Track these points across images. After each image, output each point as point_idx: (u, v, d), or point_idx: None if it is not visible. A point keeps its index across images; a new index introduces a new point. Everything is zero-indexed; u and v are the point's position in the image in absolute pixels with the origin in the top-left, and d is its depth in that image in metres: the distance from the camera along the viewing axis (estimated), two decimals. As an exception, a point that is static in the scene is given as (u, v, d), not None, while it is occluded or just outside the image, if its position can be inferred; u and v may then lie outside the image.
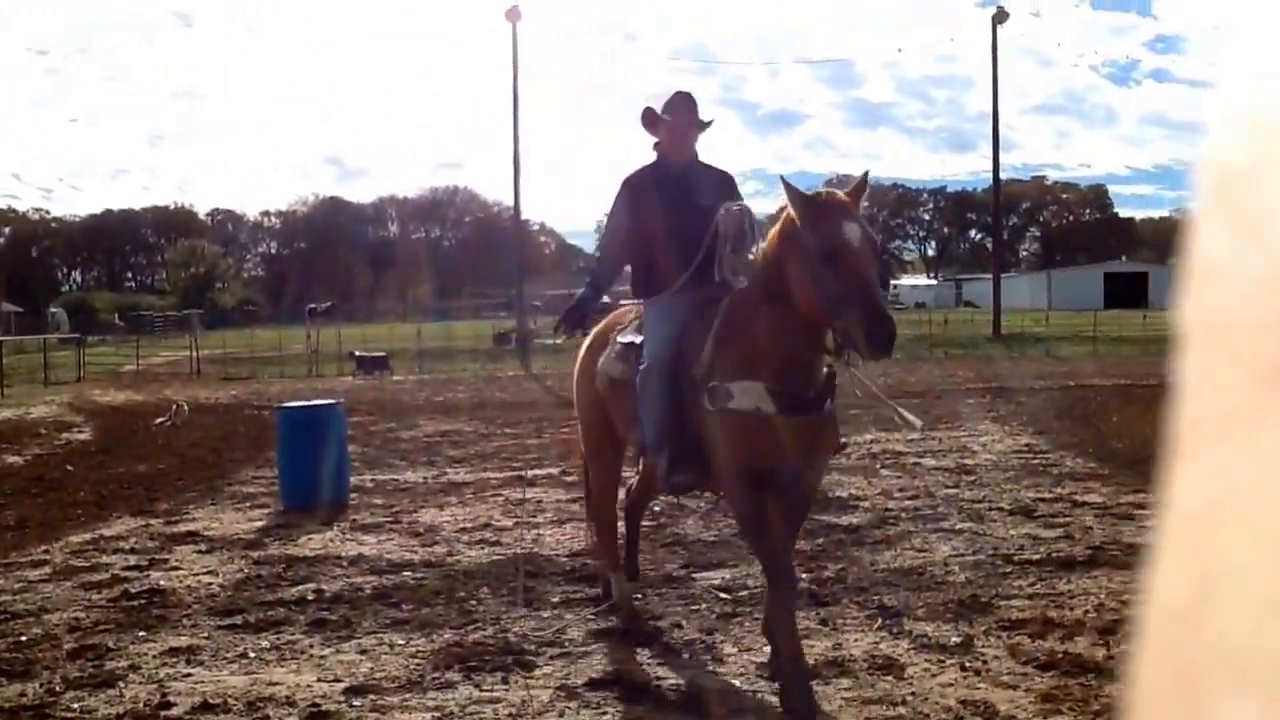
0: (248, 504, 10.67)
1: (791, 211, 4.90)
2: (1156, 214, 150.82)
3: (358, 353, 33.98)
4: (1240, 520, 0.32)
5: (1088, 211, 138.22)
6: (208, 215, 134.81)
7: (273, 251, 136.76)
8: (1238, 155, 0.35)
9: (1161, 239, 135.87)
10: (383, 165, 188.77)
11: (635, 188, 5.96)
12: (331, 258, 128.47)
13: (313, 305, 43.43)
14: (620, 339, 6.05)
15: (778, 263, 4.95)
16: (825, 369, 5.19)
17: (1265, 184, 0.33)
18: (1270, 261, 0.32)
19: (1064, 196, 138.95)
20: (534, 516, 9.64)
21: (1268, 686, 0.29)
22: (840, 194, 4.94)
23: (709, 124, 6.00)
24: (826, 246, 4.69)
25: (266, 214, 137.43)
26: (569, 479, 11.68)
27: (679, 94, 5.96)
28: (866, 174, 5.12)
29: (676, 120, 5.90)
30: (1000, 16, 48.55)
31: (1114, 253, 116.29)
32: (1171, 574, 0.35)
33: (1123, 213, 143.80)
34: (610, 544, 6.63)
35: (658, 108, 5.94)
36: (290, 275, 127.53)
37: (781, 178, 4.97)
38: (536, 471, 12.28)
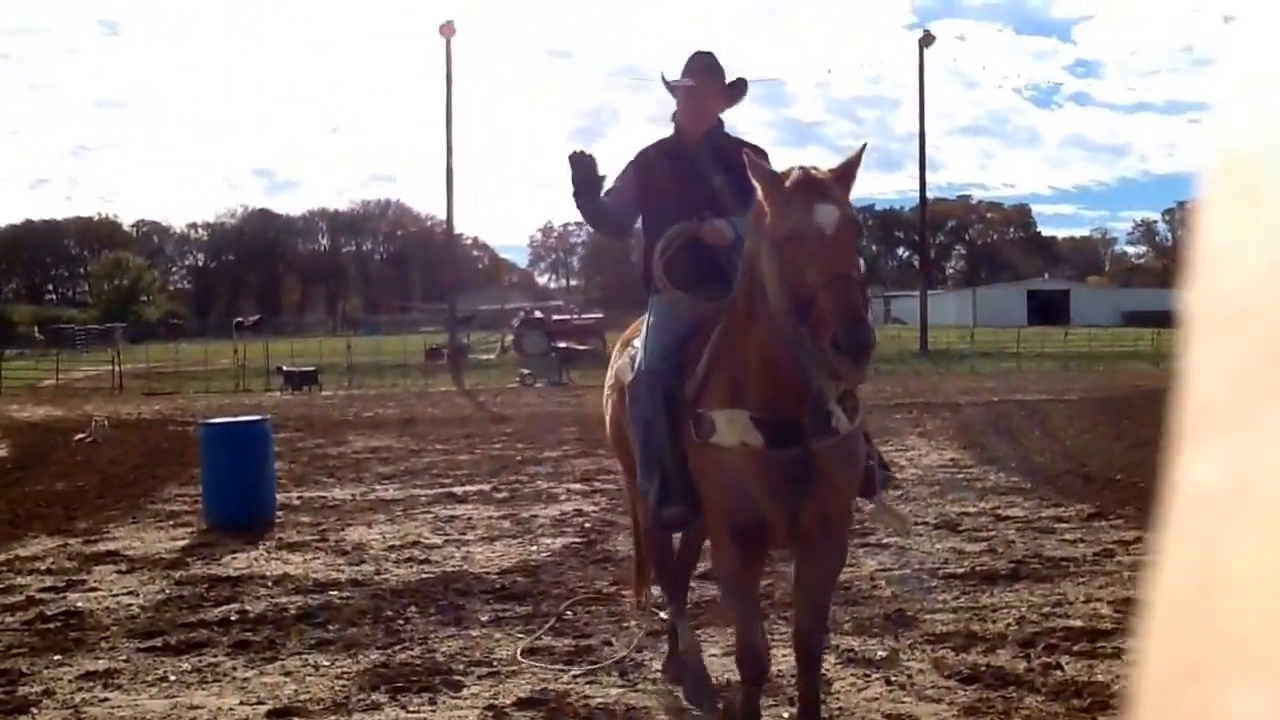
0: (170, 522, 10.47)
1: (758, 192, 4.12)
2: (1077, 233, 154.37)
3: (285, 367, 33.60)
4: (1247, 506, 0.32)
5: (1011, 230, 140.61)
6: (132, 227, 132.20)
7: (199, 264, 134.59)
8: (1244, 141, 0.35)
9: (1082, 257, 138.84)
10: (313, 177, 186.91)
11: (644, 162, 5.19)
12: (260, 271, 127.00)
13: (240, 319, 42.93)
14: (636, 343, 5.22)
15: (752, 259, 4.22)
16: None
17: (1272, 169, 0.34)
18: (1276, 246, 0.33)
19: (988, 215, 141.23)
20: (464, 534, 9.58)
21: (1273, 673, 0.29)
22: (820, 170, 4.08)
23: (738, 87, 5.17)
24: (792, 233, 3.89)
25: (194, 226, 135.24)
26: (500, 495, 11.64)
27: (696, 55, 5.14)
28: (864, 148, 4.23)
29: (692, 87, 5.06)
30: (926, 40, 49.43)
31: (1037, 270, 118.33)
32: (1178, 561, 0.35)
33: (1045, 232, 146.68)
34: (653, 577, 5.80)
35: (675, 84, 5.12)
36: (217, 288, 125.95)
37: (744, 148, 4.19)
38: (467, 488, 12.20)
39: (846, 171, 4.14)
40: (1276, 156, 0.33)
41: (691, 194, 4.99)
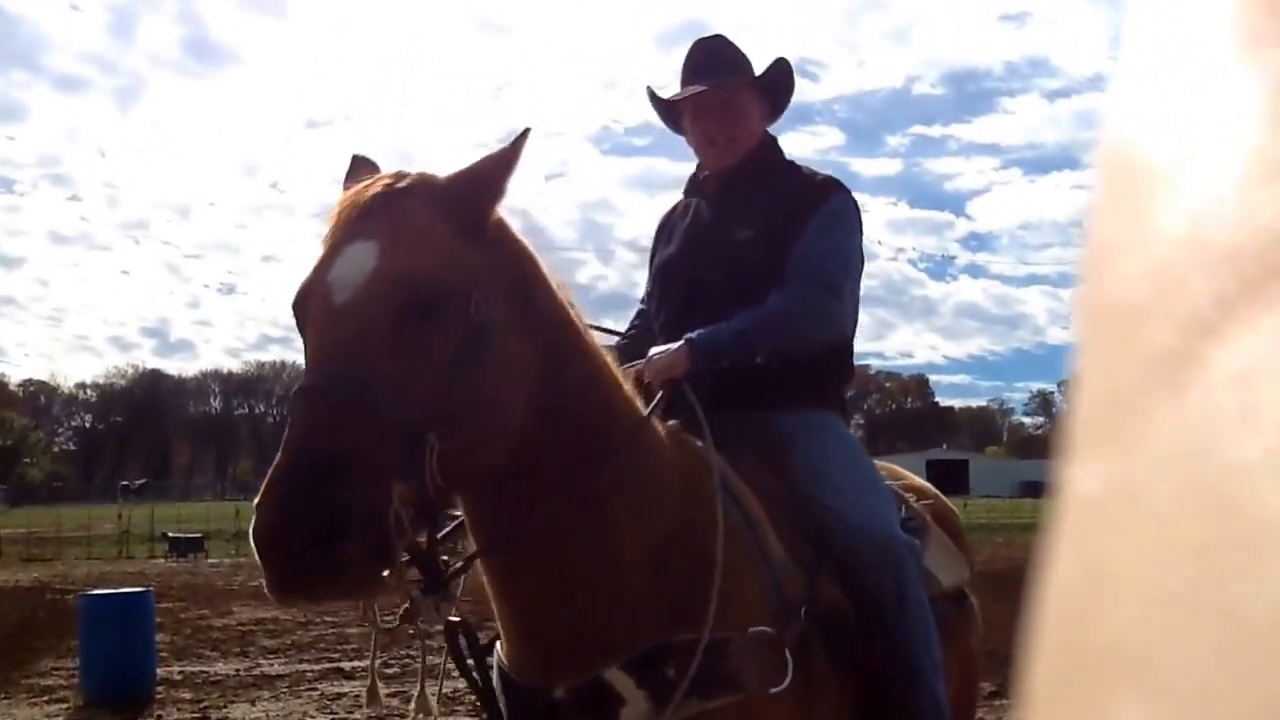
0: (45, 698, 9.95)
1: None
2: (974, 403, 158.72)
3: (171, 533, 32.72)
4: (1131, 512, 0.31)
5: (909, 400, 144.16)
6: (19, 386, 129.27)
7: (86, 425, 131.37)
8: (1132, 142, 0.35)
9: (980, 427, 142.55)
10: (207, 338, 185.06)
11: (662, 219, 3.34)
12: (148, 433, 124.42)
13: (125, 482, 41.80)
14: None
15: None
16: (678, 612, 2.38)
17: (1158, 171, 0.33)
18: (1162, 249, 0.32)
19: (887, 385, 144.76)
20: (351, 712, 9.25)
21: (1152, 682, 0.29)
22: (422, 178, 2.21)
23: (777, 77, 3.13)
24: (295, 297, 2.17)
25: (82, 386, 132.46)
26: (390, 671, 11.27)
27: (698, 46, 3.15)
28: (524, 134, 2.24)
29: (703, 91, 3.04)
30: (823, 215, 51.32)
31: (935, 440, 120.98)
32: (1065, 568, 0.34)
33: (943, 401, 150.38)
34: None
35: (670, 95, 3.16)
36: (104, 450, 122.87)
37: (354, 156, 2.43)
38: (356, 663, 11.81)
39: (471, 183, 2.21)
40: (1163, 156, 0.33)
41: (691, 255, 3.04)
